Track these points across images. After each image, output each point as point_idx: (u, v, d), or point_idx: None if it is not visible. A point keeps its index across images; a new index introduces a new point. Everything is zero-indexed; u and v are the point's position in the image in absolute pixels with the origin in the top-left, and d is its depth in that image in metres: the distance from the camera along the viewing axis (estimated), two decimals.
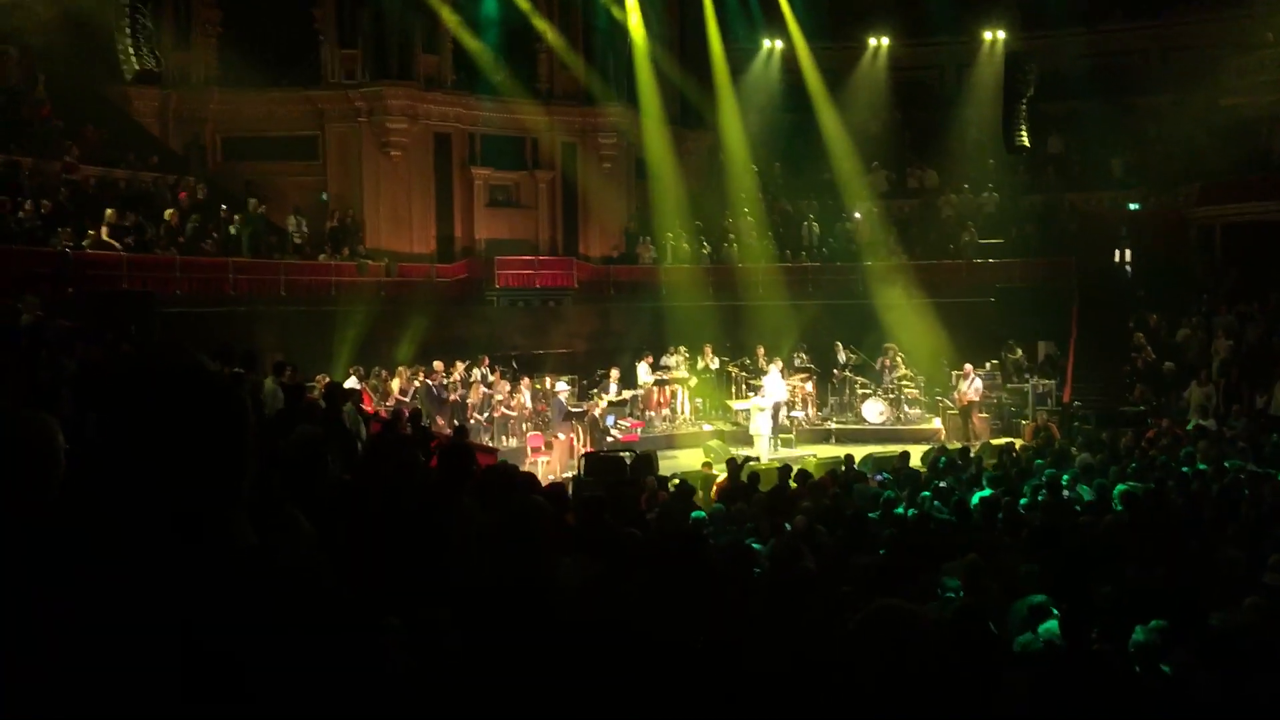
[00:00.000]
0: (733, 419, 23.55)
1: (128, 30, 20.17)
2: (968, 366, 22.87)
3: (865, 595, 6.79)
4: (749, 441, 21.73)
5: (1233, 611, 6.50)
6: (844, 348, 24.67)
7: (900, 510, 11.28)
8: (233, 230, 22.54)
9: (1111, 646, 5.75)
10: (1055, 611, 6.53)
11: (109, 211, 19.84)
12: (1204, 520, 10.18)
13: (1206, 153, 28.02)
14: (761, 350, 23.97)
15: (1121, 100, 30.80)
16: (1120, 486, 11.86)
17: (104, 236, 19.31)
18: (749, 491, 12.92)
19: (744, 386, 23.52)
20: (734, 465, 14.78)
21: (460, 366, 21.68)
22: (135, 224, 20.41)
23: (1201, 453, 14.64)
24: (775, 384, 21.94)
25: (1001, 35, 31.29)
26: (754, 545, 8.81)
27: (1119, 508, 10.68)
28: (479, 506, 4.99)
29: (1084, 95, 31.07)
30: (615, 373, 22.68)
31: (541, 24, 28.45)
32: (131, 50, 20.30)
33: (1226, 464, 13.71)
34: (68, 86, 23.31)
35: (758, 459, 18.66)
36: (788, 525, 10.45)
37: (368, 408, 17.62)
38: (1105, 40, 31.91)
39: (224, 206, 23.14)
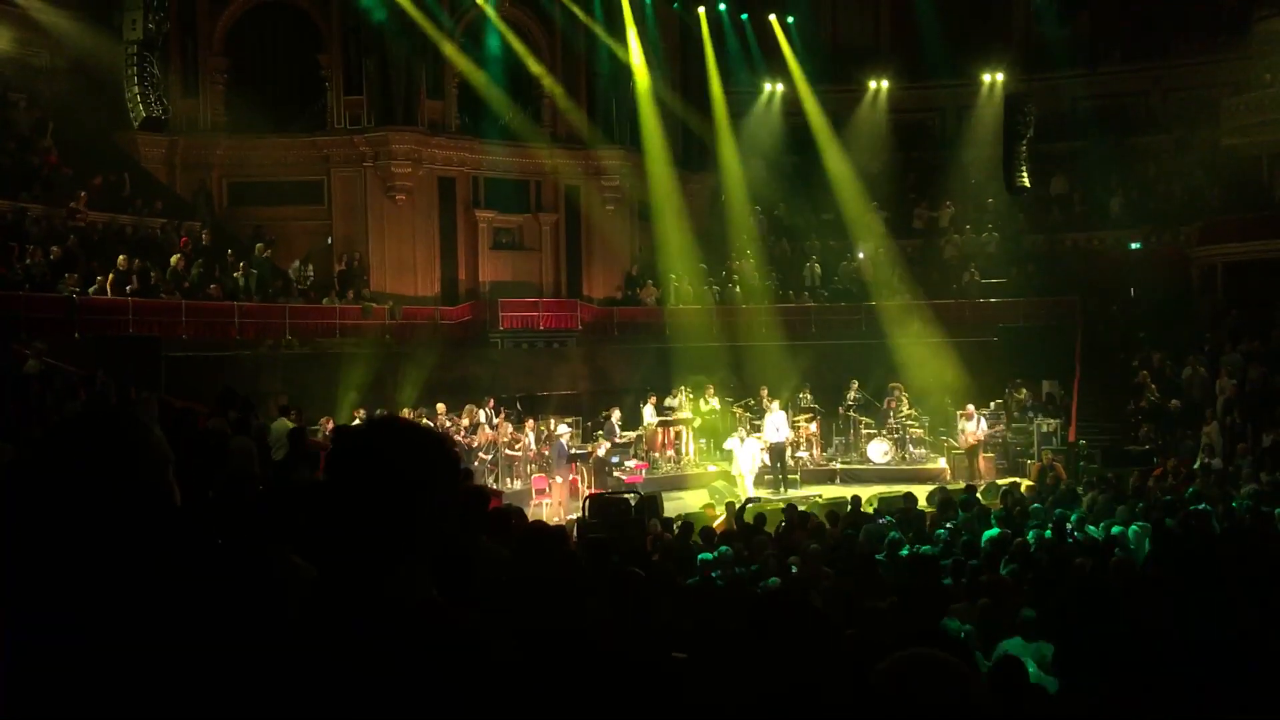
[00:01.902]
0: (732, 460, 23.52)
1: (135, 78, 20.40)
2: (970, 407, 22.86)
3: (874, 638, 6.76)
4: (756, 482, 21.74)
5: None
6: (854, 387, 24.64)
7: (905, 552, 11.22)
8: (238, 277, 22.65)
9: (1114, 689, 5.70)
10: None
11: (121, 258, 19.98)
12: (1213, 561, 10.11)
13: (1207, 192, 28.19)
14: (764, 391, 23.97)
15: (1121, 141, 30.98)
16: (1135, 526, 11.82)
17: (110, 283, 19.43)
18: (752, 533, 12.87)
19: (748, 427, 23.48)
20: (732, 508, 14.73)
21: (473, 412, 21.61)
22: (142, 269, 20.54)
23: (1208, 492, 14.59)
24: (774, 424, 21.98)
25: (1000, 77, 31.55)
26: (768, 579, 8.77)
27: (1136, 548, 10.63)
28: (505, 551, 4.98)
29: (1084, 136, 31.29)
30: (616, 413, 22.63)
31: (544, 69, 28.74)
32: (139, 97, 20.52)
33: (1234, 504, 13.66)
34: (76, 134, 23.55)
35: (759, 499, 18.57)
36: (794, 568, 10.42)
37: None
38: (1105, 81, 32.16)
39: (229, 251, 23.27)
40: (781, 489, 21.45)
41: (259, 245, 23.67)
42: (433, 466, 1.97)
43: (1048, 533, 11.76)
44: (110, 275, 19.53)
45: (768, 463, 22.10)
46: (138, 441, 1.99)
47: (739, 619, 5.96)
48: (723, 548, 10.85)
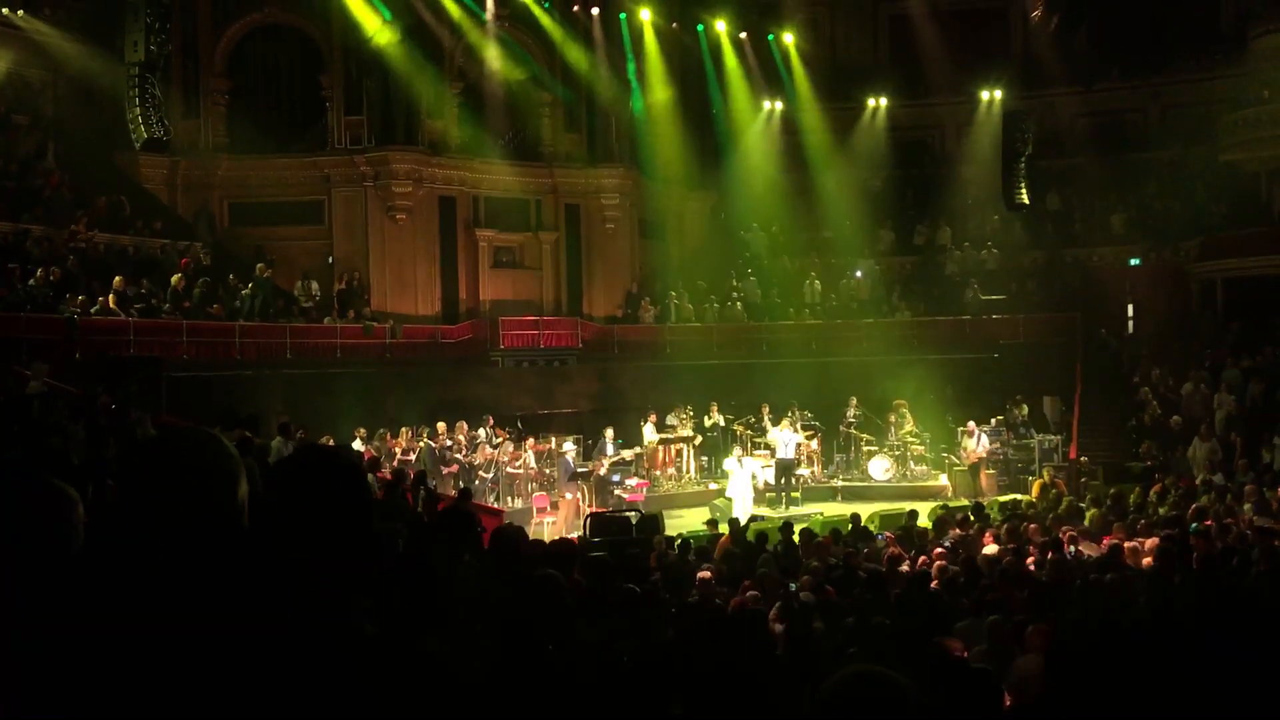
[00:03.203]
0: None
1: (137, 99, 20.46)
2: (972, 424, 22.86)
3: (875, 658, 6.75)
4: (758, 500, 21.77)
5: None
6: (854, 404, 24.64)
7: (905, 569, 11.21)
8: (245, 295, 22.69)
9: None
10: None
11: (117, 279, 20.01)
12: (1217, 577, 10.10)
13: (1206, 208, 28.26)
14: (766, 409, 23.95)
15: (1120, 157, 31.07)
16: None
17: (111, 304, 19.46)
18: (755, 551, 12.86)
19: (749, 444, 23.47)
20: (736, 525, 14.73)
21: (464, 428, 21.65)
22: (143, 290, 20.57)
23: (1211, 509, 14.58)
24: (783, 441, 21.99)
25: (999, 95, 31.66)
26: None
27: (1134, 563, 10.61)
28: (488, 574, 4.99)
29: (1082, 153, 31.39)
30: (610, 432, 22.51)
31: (544, 88, 28.84)
32: (140, 118, 20.57)
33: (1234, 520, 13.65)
34: (77, 155, 23.63)
35: (762, 518, 18.55)
36: (793, 585, 10.40)
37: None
38: (1102, 99, 32.25)
39: (231, 276, 23.31)
40: (784, 506, 21.42)
41: (260, 265, 23.70)
42: (334, 496, 1.95)
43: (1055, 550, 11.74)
44: (111, 296, 19.55)
45: (770, 481, 22.09)
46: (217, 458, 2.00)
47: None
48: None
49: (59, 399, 13.25)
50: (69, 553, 2.20)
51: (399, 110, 26.66)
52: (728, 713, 3.86)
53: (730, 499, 20.93)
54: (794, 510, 20.66)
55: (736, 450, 22.39)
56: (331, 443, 16.81)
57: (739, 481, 21.12)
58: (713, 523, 17.08)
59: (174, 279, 21.66)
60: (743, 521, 17.21)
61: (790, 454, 22.05)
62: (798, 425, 23.56)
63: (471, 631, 3.73)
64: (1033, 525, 13.94)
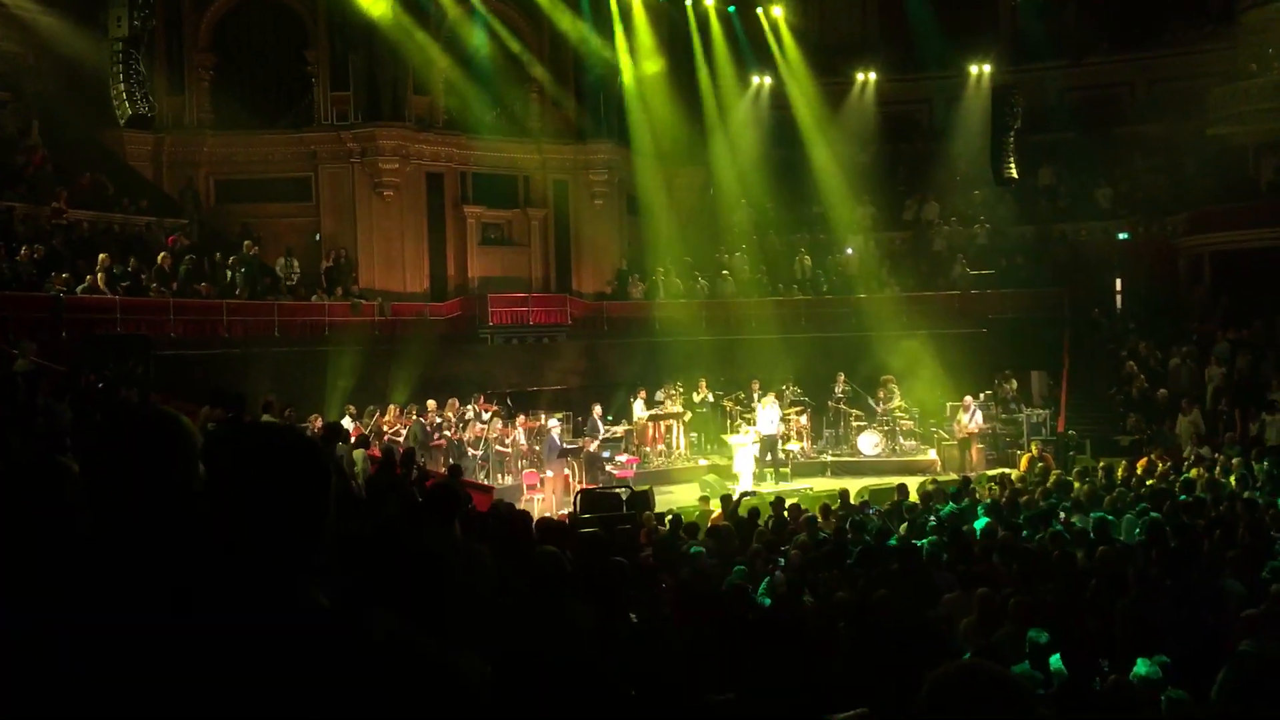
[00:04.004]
0: (729, 453, 23.58)
1: (121, 75, 20.26)
2: (968, 398, 22.89)
3: (864, 633, 6.78)
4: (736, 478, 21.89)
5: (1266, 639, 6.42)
6: (843, 380, 24.68)
7: (894, 542, 11.25)
8: (230, 271, 22.57)
9: (1120, 680, 5.74)
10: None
11: (103, 256, 19.87)
12: (1204, 550, 10.16)
13: (1194, 182, 28.26)
14: (756, 384, 23.97)
15: (1108, 131, 31.04)
16: (1129, 516, 11.86)
17: (100, 282, 19.34)
18: (747, 527, 12.89)
19: (738, 420, 23.51)
20: (728, 501, 14.76)
21: (454, 405, 21.64)
22: (130, 268, 20.44)
23: (1200, 481, 14.66)
24: (767, 417, 22.03)
25: (988, 69, 31.60)
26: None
27: (1127, 537, 10.67)
28: (489, 553, 4.97)
29: (1071, 127, 31.34)
30: (598, 409, 22.51)
31: (531, 63, 28.67)
32: (125, 95, 20.38)
33: (1222, 492, 13.73)
34: (61, 132, 23.41)
35: (753, 493, 18.61)
36: (781, 560, 10.44)
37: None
38: (1091, 73, 32.20)
39: (218, 254, 23.18)
40: (773, 481, 21.48)
41: (247, 243, 23.56)
42: (291, 475, 1.94)
43: (1043, 523, 11.79)
44: (99, 274, 19.43)
45: (758, 455, 22.15)
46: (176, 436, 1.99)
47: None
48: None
49: (44, 377, 13.17)
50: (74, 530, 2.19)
51: (386, 86, 26.49)
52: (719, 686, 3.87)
53: (738, 473, 20.98)
54: (783, 486, 20.71)
55: (745, 427, 22.42)
56: (320, 422, 16.79)
57: (746, 455, 21.15)
58: (705, 499, 17.14)
59: (160, 257, 21.52)
60: (738, 494, 17.29)
61: (773, 430, 22.08)
62: (787, 401, 23.61)
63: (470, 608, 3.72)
64: (1024, 499, 14.01)
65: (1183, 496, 13.40)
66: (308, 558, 1.90)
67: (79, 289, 19.07)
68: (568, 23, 28.57)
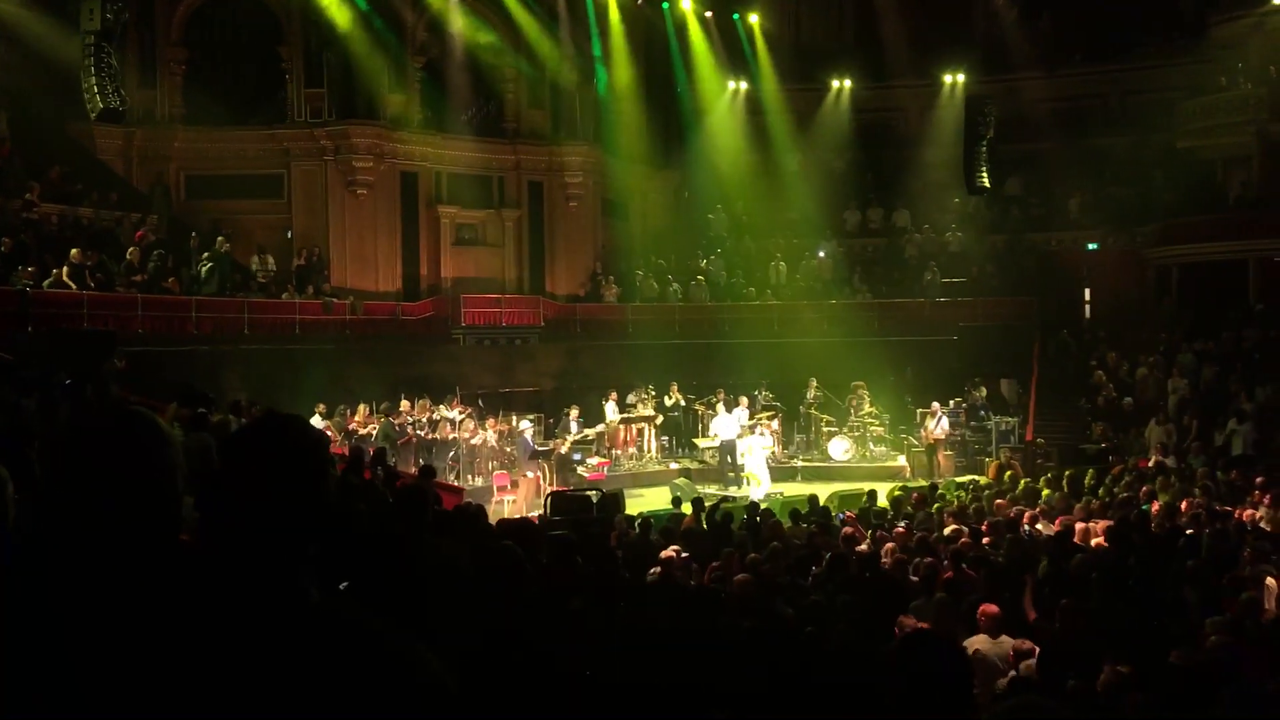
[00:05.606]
0: (699, 457, 23.62)
1: (92, 68, 20.07)
2: (935, 405, 23.05)
3: (834, 637, 6.81)
4: (716, 479, 21.88)
5: (1194, 649, 6.55)
6: (813, 385, 24.78)
7: (863, 549, 11.30)
8: (201, 270, 22.37)
9: (1086, 686, 5.79)
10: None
11: (74, 251, 19.67)
12: (1167, 558, 10.27)
13: (1163, 194, 28.58)
14: (721, 393, 23.93)
15: (1080, 142, 31.30)
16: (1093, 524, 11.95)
17: (65, 276, 19.13)
18: (720, 532, 12.90)
19: (709, 426, 23.54)
20: (699, 505, 14.76)
21: (425, 405, 21.56)
22: (98, 263, 20.23)
23: (1163, 490, 14.82)
24: (725, 423, 22.12)
25: (961, 78, 31.84)
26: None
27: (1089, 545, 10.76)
28: (455, 545, 4.96)
29: (1043, 137, 31.62)
30: (575, 411, 22.56)
31: (507, 64, 28.61)
32: (96, 88, 20.20)
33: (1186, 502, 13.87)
34: (31, 125, 23.15)
35: (734, 499, 18.53)
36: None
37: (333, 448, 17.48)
38: (1064, 84, 32.48)
39: (193, 239, 22.97)
40: (737, 487, 21.46)
41: (219, 239, 23.36)
42: (301, 466, 1.93)
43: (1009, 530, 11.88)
44: (65, 268, 19.22)
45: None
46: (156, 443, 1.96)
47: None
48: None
49: (9, 372, 13.03)
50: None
51: (360, 84, 26.33)
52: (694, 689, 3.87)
53: (751, 475, 20.97)
54: (748, 490, 20.72)
55: (712, 431, 22.49)
56: None
57: (756, 458, 21.15)
58: (677, 501, 17.12)
59: (129, 252, 21.33)
60: (761, 498, 17.24)
61: (733, 435, 22.12)
62: (757, 406, 23.69)
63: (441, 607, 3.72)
64: (999, 501, 14.11)
65: (1145, 505, 13.55)
66: (306, 548, 1.90)
67: (45, 283, 18.86)
68: (544, 25, 28.53)
